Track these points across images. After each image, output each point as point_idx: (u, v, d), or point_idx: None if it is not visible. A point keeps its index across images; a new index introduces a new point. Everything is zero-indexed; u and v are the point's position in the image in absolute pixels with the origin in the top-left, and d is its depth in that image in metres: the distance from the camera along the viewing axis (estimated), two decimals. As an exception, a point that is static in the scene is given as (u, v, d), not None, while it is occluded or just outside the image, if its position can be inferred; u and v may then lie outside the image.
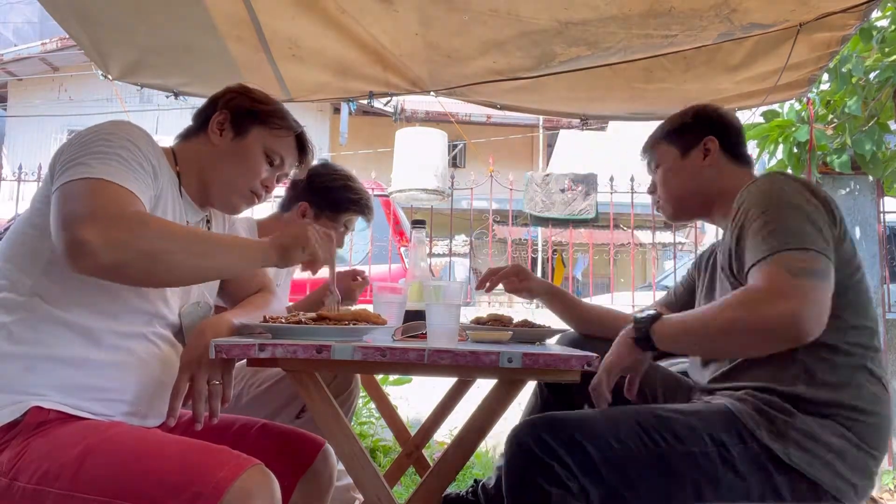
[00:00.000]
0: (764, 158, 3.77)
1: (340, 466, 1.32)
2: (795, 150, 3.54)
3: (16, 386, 1.04)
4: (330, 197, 1.96)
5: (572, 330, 1.72)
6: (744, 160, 1.52)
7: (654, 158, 1.59)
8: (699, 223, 4.77)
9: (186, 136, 1.40)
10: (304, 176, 1.71)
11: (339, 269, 1.44)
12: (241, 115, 1.37)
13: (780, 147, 3.60)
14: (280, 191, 1.86)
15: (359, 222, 2.08)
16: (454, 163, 11.94)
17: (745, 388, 1.25)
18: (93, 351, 1.10)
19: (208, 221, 1.43)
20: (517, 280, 1.72)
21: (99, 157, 1.07)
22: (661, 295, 1.85)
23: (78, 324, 1.10)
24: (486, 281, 1.73)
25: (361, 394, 3.56)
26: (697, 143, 1.51)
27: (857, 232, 3.76)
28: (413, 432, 2.07)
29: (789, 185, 1.26)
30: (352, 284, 1.94)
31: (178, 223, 1.24)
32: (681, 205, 1.55)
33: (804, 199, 1.22)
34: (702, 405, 1.29)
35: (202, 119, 1.38)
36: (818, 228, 1.18)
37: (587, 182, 5.22)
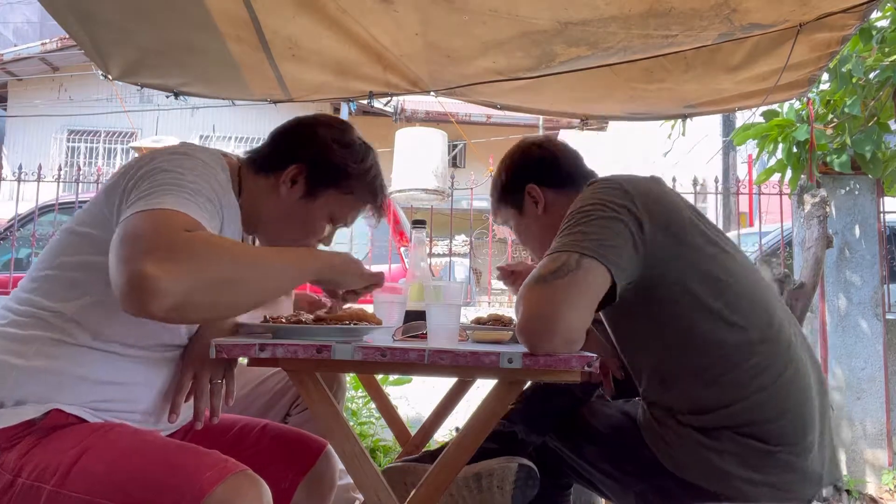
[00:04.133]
0: (764, 158, 3.78)
1: (340, 466, 1.33)
2: (795, 150, 3.54)
3: (43, 398, 1.04)
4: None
5: None
6: (574, 181, 1.48)
7: (503, 221, 1.62)
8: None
9: (258, 165, 1.28)
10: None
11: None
12: (319, 173, 1.25)
13: (780, 147, 3.61)
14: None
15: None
16: (454, 163, 11.94)
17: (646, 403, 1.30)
18: (122, 374, 1.11)
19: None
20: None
21: (168, 190, 1.00)
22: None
23: (110, 351, 1.10)
24: (508, 277, 1.68)
25: (361, 394, 3.57)
26: (523, 196, 1.51)
27: (857, 232, 3.76)
28: (413, 432, 2.07)
29: (592, 195, 1.24)
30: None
31: (238, 241, 1.19)
32: (545, 251, 1.50)
33: (600, 205, 1.20)
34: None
35: (278, 157, 1.26)
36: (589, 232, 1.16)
37: (587, 182, 5.20)
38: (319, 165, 1.26)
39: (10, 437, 1.01)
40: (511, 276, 1.67)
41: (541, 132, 11.36)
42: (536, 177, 1.51)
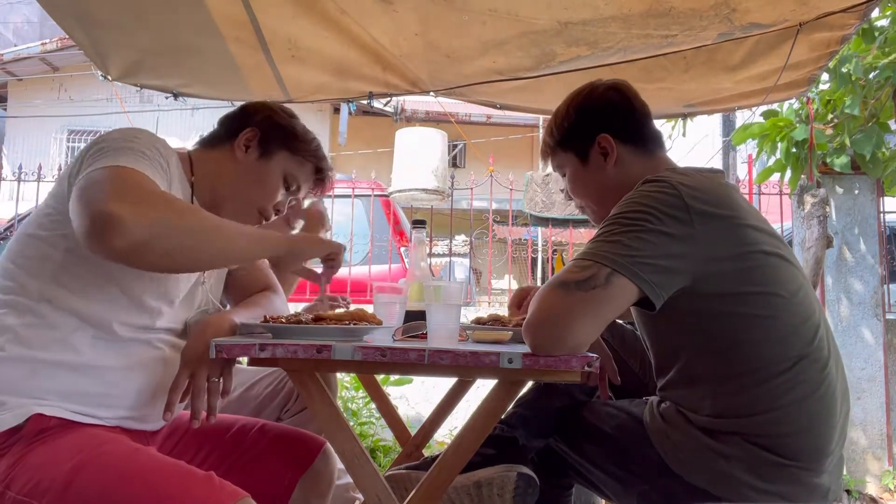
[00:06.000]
0: (763, 158, 3.78)
1: (340, 465, 1.33)
2: (794, 150, 3.54)
3: (20, 390, 1.04)
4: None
5: None
6: (650, 142, 1.36)
7: (557, 166, 1.46)
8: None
9: (210, 143, 1.38)
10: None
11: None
12: (270, 135, 1.36)
13: (780, 147, 3.61)
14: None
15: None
16: (454, 163, 11.94)
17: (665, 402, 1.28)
18: (99, 357, 1.10)
19: None
20: None
21: (122, 152, 1.06)
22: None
23: (85, 330, 1.10)
24: (517, 307, 1.54)
25: (361, 394, 3.57)
26: (592, 144, 1.36)
27: (857, 232, 3.76)
28: (413, 432, 2.07)
29: (644, 198, 1.15)
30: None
31: (199, 207, 1.24)
32: (602, 210, 1.36)
33: (650, 215, 1.12)
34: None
35: (230, 130, 1.37)
36: (646, 242, 1.10)
37: (587, 182, 5.20)
38: (270, 128, 1.37)
39: None
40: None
41: (540, 132, 11.36)
42: (612, 126, 1.35)
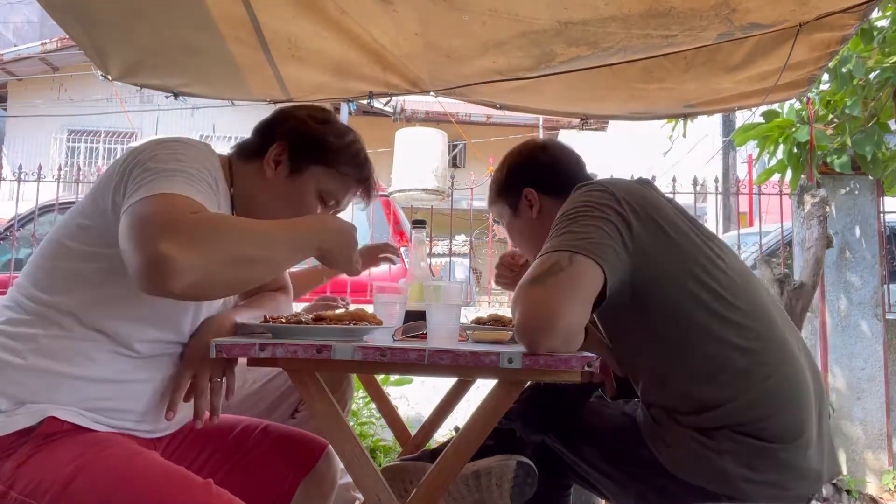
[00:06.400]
0: (764, 159, 3.78)
1: (340, 466, 1.33)
2: (795, 151, 3.54)
3: (38, 398, 1.03)
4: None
5: None
6: (567, 190, 1.42)
7: (497, 215, 1.63)
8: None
9: (245, 153, 1.30)
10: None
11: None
12: (300, 149, 1.27)
13: (780, 147, 3.61)
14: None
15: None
16: (454, 163, 11.94)
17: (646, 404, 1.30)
18: (119, 372, 1.09)
19: None
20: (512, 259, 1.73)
21: (169, 175, 1.02)
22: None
23: (107, 347, 1.09)
24: (504, 273, 1.72)
25: (361, 394, 3.57)
26: (520, 198, 1.52)
27: (857, 232, 3.76)
28: (413, 432, 2.07)
29: (579, 198, 1.26)
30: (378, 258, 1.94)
31: (243, 218, 1.15)
32: (534, 253, 1.40)
33: (588, 208, 1.22)
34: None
35: (261, 144, 1.29)
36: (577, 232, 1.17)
37: (587, 182, 5.20)
38: (299, 141, 1.27)
39: (7, 447, 1.00)
40: (513, 269, 1.69)
41: (541, 132, 11.37)
42: (535, 181, 1.52)
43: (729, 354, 1.18)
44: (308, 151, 1.27)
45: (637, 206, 1.23)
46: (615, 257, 1.16)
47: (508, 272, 1.72)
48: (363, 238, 5.23)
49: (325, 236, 1.11)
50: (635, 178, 1.37)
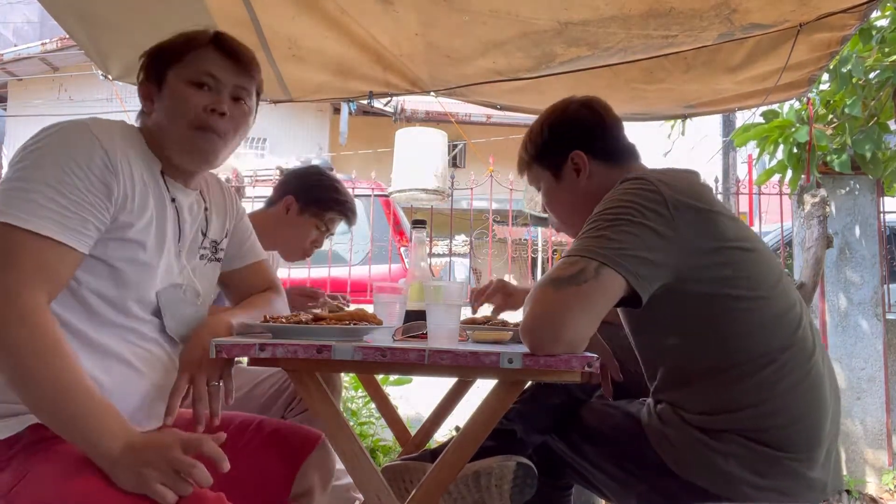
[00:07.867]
0: (764, 159, 3.78)
1: (340, 466, 1.33)
2: (795, 151, 3.54)
3: (17, 403, 1.01)
4: (317, 195, 2.03)
5: None
6: (622, 155, 1.38)
7: (532, 180, 1.50)
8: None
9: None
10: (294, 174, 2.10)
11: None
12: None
13: (780, 147, 3.61)
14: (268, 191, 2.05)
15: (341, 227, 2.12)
16: (454, 163, 11.93)
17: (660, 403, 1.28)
18: (99, 369, 1.07)
19: (206, 210, 1.30)
20: (502, 297, 1.65)
21: (14, 196, 0.97)
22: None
23: (85, 339, 1.07)
24: (475, 301, 1.68)
25: (361, 394, 3.57)
26: (565, 161, 1.38)
27: (857, 232, 3.76)
28: (413, 432, 2.07)
29: (624, 195, 1.18)
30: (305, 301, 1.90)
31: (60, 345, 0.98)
32: (576, 223, 1.35)
33: (631, 210, 1.14)
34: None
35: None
36: (629, 237, 1.12)
37: (587, 182, 5.19)
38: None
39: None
40: (479, 296, 1.65)
41: (541, 132, 11.34)
42: (583, 143, 1.37)
43: (758, 362, 1.16)
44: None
45: (686, 206, 1.15)
46: (650, 269, 1.11)
47: (502, 301, 1.64)
48: (363, 238, 5.23)
49: (131, 460, 0.93)
50: (686, 170, 1.29)
